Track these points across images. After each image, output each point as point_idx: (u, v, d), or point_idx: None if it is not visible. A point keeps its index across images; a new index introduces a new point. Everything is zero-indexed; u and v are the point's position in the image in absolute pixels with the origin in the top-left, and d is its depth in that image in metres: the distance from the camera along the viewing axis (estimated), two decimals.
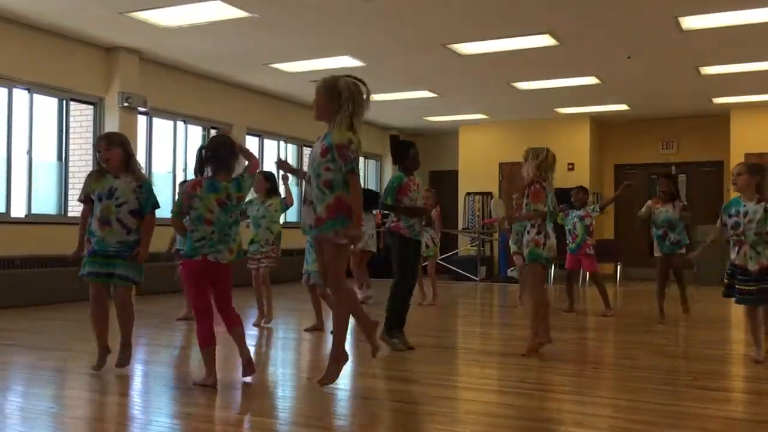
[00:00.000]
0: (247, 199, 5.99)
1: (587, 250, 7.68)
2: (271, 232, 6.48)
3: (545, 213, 4.97)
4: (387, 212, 5.52)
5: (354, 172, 3.75)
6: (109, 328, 4.45)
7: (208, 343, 4.00)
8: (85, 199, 4.38)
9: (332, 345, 3.96)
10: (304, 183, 3.98)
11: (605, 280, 12.81)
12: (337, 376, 3.92)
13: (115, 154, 4.31)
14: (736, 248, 4.76)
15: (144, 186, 4.37)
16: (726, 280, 4.89)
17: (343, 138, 3.71)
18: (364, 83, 3.85)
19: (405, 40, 8.54)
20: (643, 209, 7.24)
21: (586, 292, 10.62)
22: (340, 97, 3.75)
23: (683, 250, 7.12)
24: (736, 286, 4.79)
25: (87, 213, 4.39)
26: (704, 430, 3.26)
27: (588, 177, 13.49)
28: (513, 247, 8.35)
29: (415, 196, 5.41)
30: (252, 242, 6.55)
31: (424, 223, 5.67)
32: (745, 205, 4.74)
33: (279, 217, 6.56)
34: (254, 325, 6.63)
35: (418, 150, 5.62)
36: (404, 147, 5.57)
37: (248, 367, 4.14)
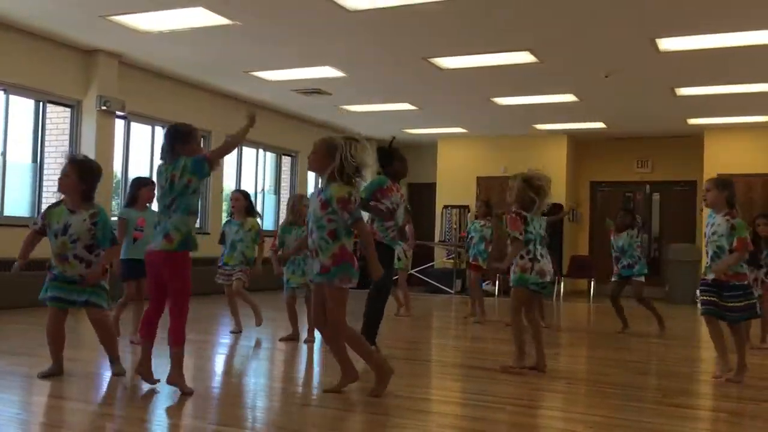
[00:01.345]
0: (225, 220, 5.93)
1: None
2: (244, 256, 6.54)
3: (521, 241, 4.92)
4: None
5: (359, 220, 3.97)
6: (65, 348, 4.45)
7: (141, 334, 4.10)
8: (41, 229, 4.31)
9: (372, 368, 4.10)
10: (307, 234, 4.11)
11: (579, 296, 12.96)
12: (384, 388, 4.08)
13: (71, 181, 4.27)
14: (707, 258, 4.91)
15: (99, 222, 4.28)
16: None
17: (343, 192, 3.92)
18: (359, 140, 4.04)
19: (387, 52, 8.58)
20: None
21: (561, 308, 10.71)
22: (335, 154, 3.94)
23: (642, 279, 7.54)
24: (701, 297, 4.91)
25: (32, 240, 4.34)
26: None
27: (564, 193, 13.62)
28: (469, 256, 8.58)
29: (397, 201, 5.44)
30: (224, 261, 6.59)
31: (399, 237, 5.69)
32: (714, 217, 4.86)
33: (255, 244, 6.57)
34: (231, 332, 6.62)
35: (406, 159, 5.68)
36: (391, 155, 5.63)
37: (179, 385, 3.96)
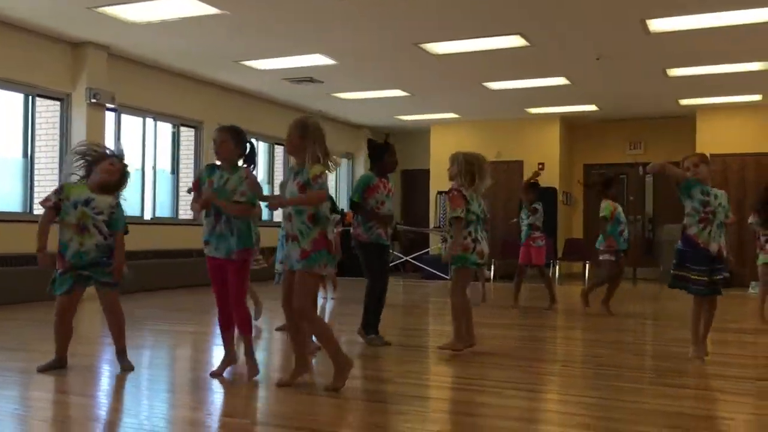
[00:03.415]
0: None
1: (531, 242, 8.09)
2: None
3: (462, 219, 4.93)
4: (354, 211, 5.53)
5: (326, 193, 3.95)
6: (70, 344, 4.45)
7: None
8: (56, 203, 4.29)
9: (331, 358, 3.96)
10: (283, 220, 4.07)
11: (574, 279, 13.01)
12: (344, 381, 3.92)
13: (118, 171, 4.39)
14: (702, 225, 4.76)
15: (119, 207, 4.42)
16: (675, 271, 4.86)
17: (317, 170, 3.91)
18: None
19: (377, 39, 8.54)
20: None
21: (556, 291, 10.73)
22: (307, 137, 3.95)
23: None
24: (692, 277, 4.78)
25: (50, 218, 4.32)
26: (671, 428, 3.33)
27: (558, 176, 13.64)
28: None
29: (381, 198, 5.46)
30: None
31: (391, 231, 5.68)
32: (713, 189, 4.86)
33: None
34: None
35: (395, 153, 5.66)
36: (380, 149, 5.62)
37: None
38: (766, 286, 6.81)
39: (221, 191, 4.15)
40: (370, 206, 5.40)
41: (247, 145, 4.35)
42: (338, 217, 8.97)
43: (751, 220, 7.16)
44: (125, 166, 4.48)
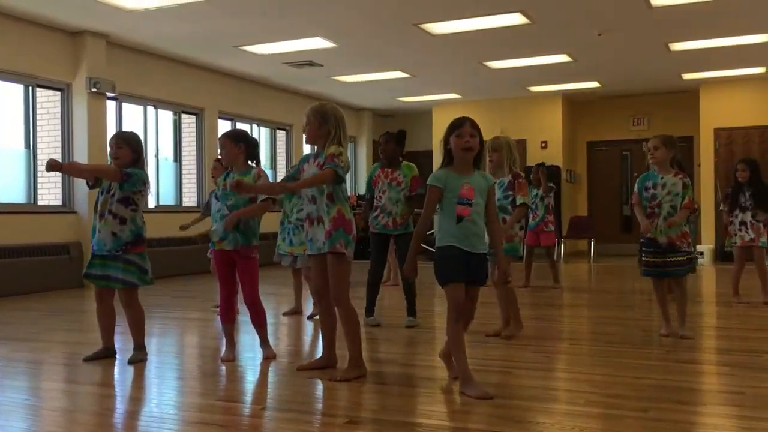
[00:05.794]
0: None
1: (544, 228, 8.29)
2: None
3: (527, 206, 4.93)
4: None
5: (334, 171, 3.80)
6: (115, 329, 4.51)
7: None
8: (93, 185, 4.38)
9: (350, 356, 3.92)
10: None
11: (580, 256, 13.01)
12: (348, 379, 3.85)
13: (125, 154, 4.28)
14: (650, 220, 4.79)
15: (133, 173, 4.27)
16: (641, 257, 4.98)
17: (333, 150, 3.88)
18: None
19: (376, 20, 8.48)
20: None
21: (562, 269, 10.74)
22: (328, 122, 3.92)
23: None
24: (643, 259, 4.91)
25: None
26: (679, 403, 3.33)
27: (561, 154, 13.59)
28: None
29: (383, 188, 5.55)
30: None
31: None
32: (662, 178, 4.80)
33: None
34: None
35: (385, 141, 5.65)
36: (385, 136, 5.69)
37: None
38: (741, 265, 6.74)
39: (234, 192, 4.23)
40: (373, 197, 5.60)
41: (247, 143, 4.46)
42: None
43: (723, 207, 6.90)
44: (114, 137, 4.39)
